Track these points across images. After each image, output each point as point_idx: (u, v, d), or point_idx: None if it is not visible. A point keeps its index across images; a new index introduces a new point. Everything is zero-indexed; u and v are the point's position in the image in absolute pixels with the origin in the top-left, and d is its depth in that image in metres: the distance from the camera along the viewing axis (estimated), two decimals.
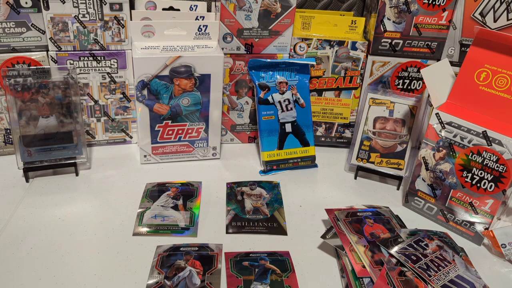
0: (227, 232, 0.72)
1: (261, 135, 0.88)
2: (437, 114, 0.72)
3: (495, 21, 0.82)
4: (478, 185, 0.70)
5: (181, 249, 0.66)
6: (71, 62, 0.82)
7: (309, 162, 0.91)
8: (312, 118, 0.92)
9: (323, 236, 0.69)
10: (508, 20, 0.81)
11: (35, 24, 0.79)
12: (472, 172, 0.71)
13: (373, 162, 0.86)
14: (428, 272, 0.62)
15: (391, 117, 0.84)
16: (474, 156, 0.70)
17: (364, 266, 0.63)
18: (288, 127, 0.89)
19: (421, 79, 0.89)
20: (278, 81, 0.88)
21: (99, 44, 0.83)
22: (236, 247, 0.68)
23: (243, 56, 0.88)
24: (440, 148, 0.73)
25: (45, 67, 0.78)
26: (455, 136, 0.71)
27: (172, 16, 0.85)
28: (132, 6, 0.84)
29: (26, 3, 0.77)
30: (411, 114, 0.83)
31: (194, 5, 0.87)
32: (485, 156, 0.69)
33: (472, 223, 0.73)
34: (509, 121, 0.69)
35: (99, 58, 0.84)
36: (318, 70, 0.90)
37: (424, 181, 0.77)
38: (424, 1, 0.83)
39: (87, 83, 0.85)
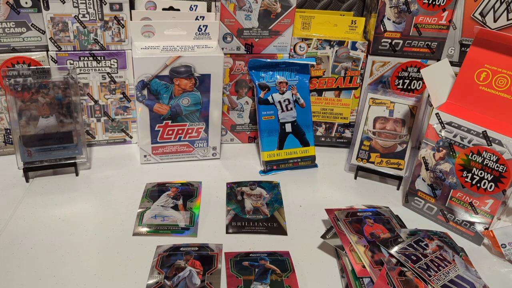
0: (227, 232, 0.72)
1: (261, 135, 0.88)
2: (437, 114, 0.72)
3: (495, 21, 0.82)
4: (478, 185, 0.70)
5: (181, 249, 0.66)
6: (71, 62, 0.82)
7: (309, 162, 0.91)
8: (312, 118, 0.92)
9: (323, 236, 0.69)
10: (508, 20, 0.81)
11: (35, 24, 0.79)
12: (472, 172, 0.70)
13: (373, 162, 0.86)
14: (428, 272, 0.62)
15: (391, 117, 0.84)
16: (474, 156, 0.70)
17: (364, 266, 0.63)
18: (288, 127, 0.89)
19: (421, 79, 0.89)
20: (278, 81, 0.88)
21: (99, 44, 0.83)
22: (236, 247, 0.68)
23: (243, 56, 0.88)
24: (440, 148, 0.73)
25: (45, 67, 0.78)
26: (455, 136, 0.71)
27: (172, 16, 0.85)
28: (132, 6, 0.84)
29: (26, 3, 0.77)
30: (411, 114, 0.83)
31: (194, 5, 0.87)
32: (485, 156, 0.69)
33: (472, 223, 0.73)
34: (509, 121, 0.69)
35: (99, 58, 0.84)
36: (318, 70, 0.90)
37: (424, 181, 0.77)
38: (424, 1, 0.83)
39: (87, 83, 0.85)
